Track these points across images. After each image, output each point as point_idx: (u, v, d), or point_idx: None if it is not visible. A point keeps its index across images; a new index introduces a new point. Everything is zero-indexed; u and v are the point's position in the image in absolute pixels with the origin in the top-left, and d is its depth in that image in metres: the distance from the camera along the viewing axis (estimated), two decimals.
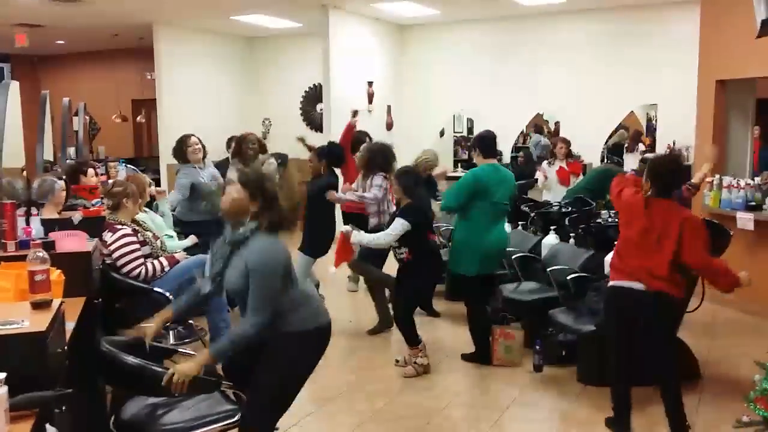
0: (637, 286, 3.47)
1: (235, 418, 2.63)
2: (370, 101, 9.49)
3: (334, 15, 8.76)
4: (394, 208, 4.87)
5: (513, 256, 5.23)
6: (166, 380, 2.50)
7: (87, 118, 9.99)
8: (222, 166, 6.21)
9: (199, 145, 5.65)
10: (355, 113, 6.47)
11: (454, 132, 10.91)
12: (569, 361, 4.51)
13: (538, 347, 4.51)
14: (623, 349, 3.60)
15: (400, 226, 4.31)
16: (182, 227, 5.44)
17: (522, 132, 10.30)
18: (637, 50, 8.68)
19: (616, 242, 3.69)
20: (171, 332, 5.00)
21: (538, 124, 10.70)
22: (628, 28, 8.81)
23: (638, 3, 8.54)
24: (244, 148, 5.65)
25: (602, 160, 9.06)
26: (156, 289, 4.06)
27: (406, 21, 9.93)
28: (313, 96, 10.77)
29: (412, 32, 10.30)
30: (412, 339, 4.51)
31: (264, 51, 11.40)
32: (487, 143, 4.64)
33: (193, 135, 5.81)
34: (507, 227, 5.77)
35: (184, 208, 5.59)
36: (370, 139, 6.38)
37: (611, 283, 3.61)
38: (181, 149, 5.66)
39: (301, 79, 10.91)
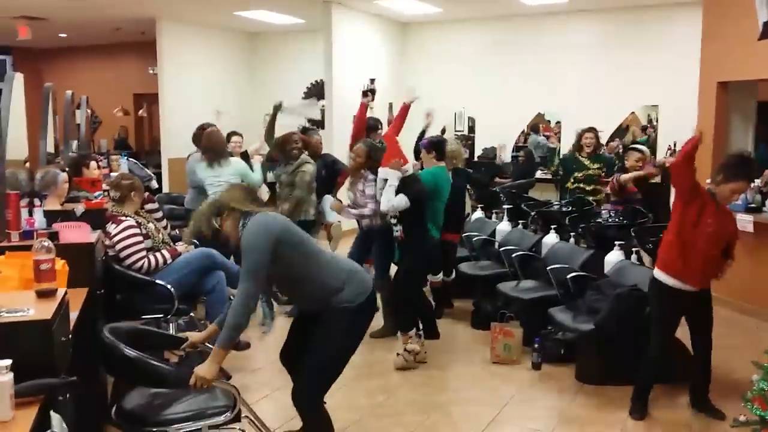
0: None
1: (225, 415, 2.67)
2: (372, 98, 9.47)
3: (337, 11, 8.77)
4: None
5: (513, 255, 5.26)
6: (192, 383, 2.61)
7: (89, 111, 9.98)
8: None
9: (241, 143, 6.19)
10: (366, 94, 6.01)
11: (456, 131, 10.89)
12: (568, 359, 4.53)
13: (536, 345, 4.53)
14: None
15: (402, 200, 4.46)
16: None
17: (523, 131, 10.30)
18: (639, 51, 8.70)
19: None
20: (171, 325, 4.99)
21: (535, 124, 10.67)
22: (630, 29, 8.83)
23: (640, 3, 8.56)
24: (288, 149, 5.57)
25: None
26: (158, 281, 4.07)
27: (409, 18, 9.93)
28: (315, 92, 10.77)
29: (414, 30, 10.31)
30: (404, 324, 4.63)
31: (266, 47, 11.40)
32: (443, 148, 4.98)
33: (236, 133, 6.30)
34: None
35: (193, 198, 5.72)
36: (382, 125, 6.19)
37: None
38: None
39: (303, 75, 10.91)
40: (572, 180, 6.45)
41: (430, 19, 9.92)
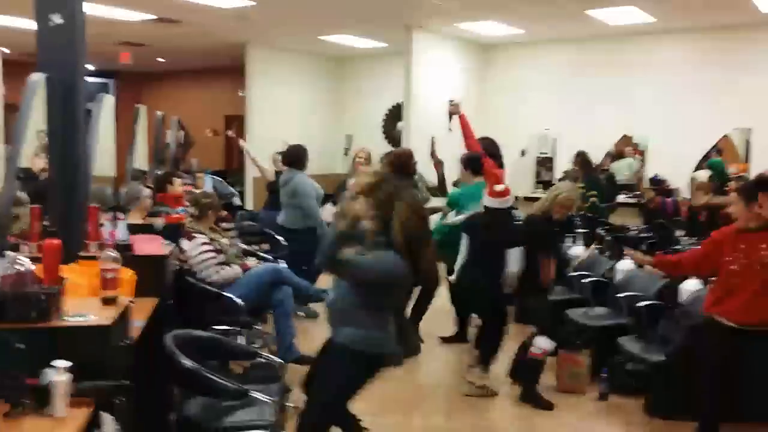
0: None
1: (264, 430, 2.74)
2: (451, 120, 9.50)
3: (418, 35, 8.87)
4: None
5: (584, 280, 5.13)
6: None
7: (182, 132, 10.52)
8: None
9: None
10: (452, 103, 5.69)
11: (540, 153, 10.71)
12: (638, 391, 4.34)
13: (604, 375, 4.37)
14: None
15: None
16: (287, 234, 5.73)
17: (608, 153, 9.99)
18: (729, 72, 8.32)
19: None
20: (240, 337, 5.14)
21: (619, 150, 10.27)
22: (719, 49, 8.46)
23: (730, 23, 8.18)
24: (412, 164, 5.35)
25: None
26: (226, 294, 4.23)
27: (490, 40, 9.92)
28: (396, 114, 10.90)
29: (495, 51, 10.27)
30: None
31: (349, 70, 11.68)
32: (478, 163, 4.81)
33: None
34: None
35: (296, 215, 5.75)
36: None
37: None
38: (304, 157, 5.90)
39: (385, 97, 11.07)
40: None
41: (512, 41, 9.87)
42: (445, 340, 5.46)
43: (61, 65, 3.15)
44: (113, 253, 2.52)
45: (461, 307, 5.35)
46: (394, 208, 2.73)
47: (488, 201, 4.46)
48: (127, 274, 2.89)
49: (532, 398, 4.22)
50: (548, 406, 4.16)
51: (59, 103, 3.18)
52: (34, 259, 2.45)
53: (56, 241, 2.37)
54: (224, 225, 4.89)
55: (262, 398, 2.79)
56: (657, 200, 5.54)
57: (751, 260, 3.43)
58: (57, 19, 3.07)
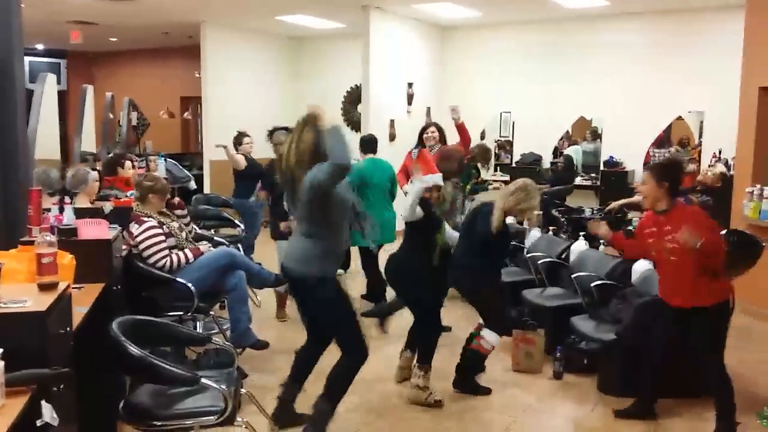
0: None
1: (214, 417, 2.71)
2: (410, 102, 9.49)
3: (375, 15, 8.79)
4: None
5: (539, 261, 5.17)
6: None
7: (136, 113, 10.27)
8: None
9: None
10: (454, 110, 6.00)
11: (501, 136, 10.74)
12: (591, 369, 4.42)
13: (558, 354, 4.43)
14: None
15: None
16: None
17: (567, 134, 10.10)
18: (683, 55, 8.46)
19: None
20: (199, 323, 5.05)
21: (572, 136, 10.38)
22: (673, 33, 8.59)
23: (684, 7, 8.32)
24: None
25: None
26: (178, 279, 4.14)
27: (448, 22, 9.89)
28: (355, 96, 10.82)
29: (453, 33, 10.26)
30: None
31: (307, 51, 11.53)
32: (365, 143, 5.81)
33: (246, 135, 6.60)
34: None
35: None
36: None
37: None
38: None
39: (343, 79, 10.97)
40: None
41: (470, 23, 9.86)
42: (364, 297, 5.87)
43: None
44: (49, 237, 2.42)
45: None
46: None
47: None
48: (66, 259, 2.80)
49: (469, 387, 4.16)
50: (486, 391, 4.15)
51: None
52: None
53: None
54: (178, 212, 4.75)
55: (213, 385, 2.73)
56: None
57: (660, 247, 3.47)
58: None
